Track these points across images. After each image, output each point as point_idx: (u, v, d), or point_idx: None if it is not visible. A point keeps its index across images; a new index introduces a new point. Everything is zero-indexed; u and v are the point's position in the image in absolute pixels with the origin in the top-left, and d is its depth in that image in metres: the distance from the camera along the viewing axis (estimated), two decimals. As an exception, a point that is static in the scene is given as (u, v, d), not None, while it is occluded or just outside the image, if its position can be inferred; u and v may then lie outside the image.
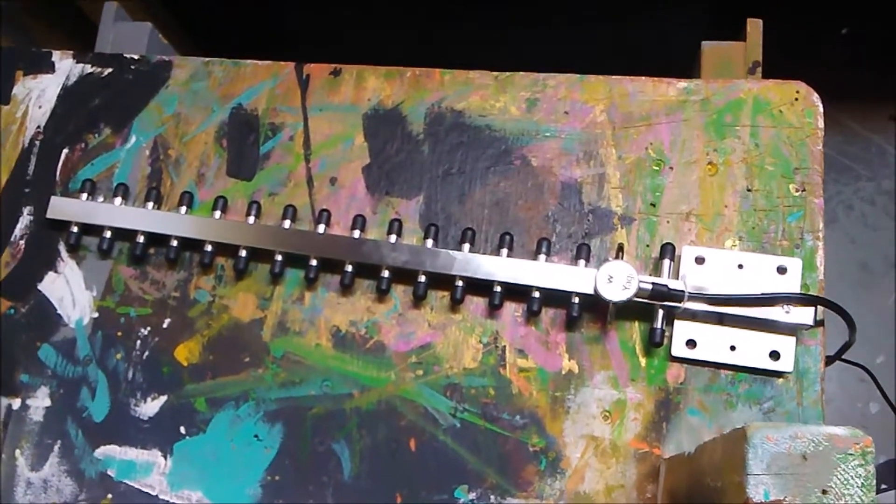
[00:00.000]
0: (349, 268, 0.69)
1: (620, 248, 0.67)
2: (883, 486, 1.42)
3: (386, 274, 0.69)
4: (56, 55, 0.81)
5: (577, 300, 0.66)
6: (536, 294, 0.66)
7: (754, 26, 0.80)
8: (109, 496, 0.69)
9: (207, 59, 0.79)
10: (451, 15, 1.35)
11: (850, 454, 0.37)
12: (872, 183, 1.60)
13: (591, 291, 0.64)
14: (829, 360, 0.68)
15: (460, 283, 0.67)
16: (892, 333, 1.48)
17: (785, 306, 0.63)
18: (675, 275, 0.65)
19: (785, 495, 0.36)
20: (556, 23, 1.35)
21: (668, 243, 0.66)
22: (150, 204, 0.73)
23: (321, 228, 0.70)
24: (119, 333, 0.73)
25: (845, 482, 0.36)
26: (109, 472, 0.70)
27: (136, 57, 0.81)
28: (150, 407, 0.70)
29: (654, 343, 0.64)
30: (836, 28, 1.53)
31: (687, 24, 1.28)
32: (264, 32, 1.43)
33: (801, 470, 0.36)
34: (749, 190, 0.68)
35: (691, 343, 0.65)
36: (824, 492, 0.36)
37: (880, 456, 1.44)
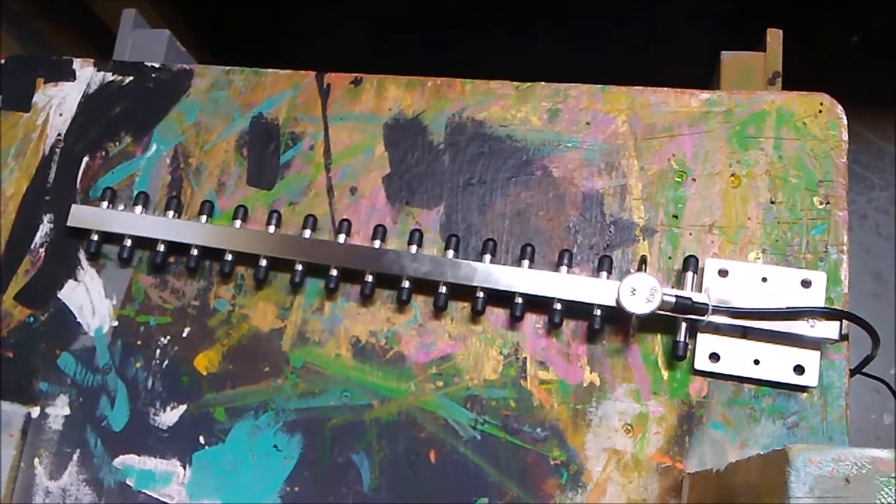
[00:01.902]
0: (369, 278, 0.69)
1: (643, 261, 0.67)
2: None
3: (406, 284, 0.68)
4: (77, 63, 0.82)
5: (598, 312, 0.65)
6: (558, 306, 0.66)
7: (774, 36, 0.80)
8: (128, 506, 0.69)
9: (228, 67, 0.79)
10: (462, 23, 1.35)
11: (894, 477, 0.36)
12: (886, 192, 1.59)
13: (613, 304, 0.64)
14: (850, 374, 0.67)
15: (481, 294, 0.67)
16: (906, 344, 1.47)
17: (810, 320, 0.62)
18: (699, 288, 0.65)
19: (828, 520, 0.36)
20: (567, 30, 1.35)
21: (691, 256, 0.66)
22: (171, 212, 0.73)
23: (341, 238, 0.70)
24: (139, 342, 0.72)
25: (889, 506, 0.36)
26: (128, 482, 0.69)
27: (156, 65, 0.81)
28: (169, 416, 0.70)
29: (677, 356, 0.64)
30: (849, 35, 1.52)
31: (700, 33, 1.28)
32: (278, 38, 1.43)
33: (844, 493, 0.36)
34: (773, 202, 0.68)
35: (714, 356, 0.64)
36: (868, 516, 0.36)
37: None
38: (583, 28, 1.36)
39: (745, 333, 0.64)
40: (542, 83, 0.74)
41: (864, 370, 0.70)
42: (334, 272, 0.70)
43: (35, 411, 0.72)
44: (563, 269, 0.67)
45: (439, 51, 1.36)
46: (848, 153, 0.68)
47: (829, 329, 0.62)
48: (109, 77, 0.81)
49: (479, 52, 1.38)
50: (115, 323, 0.73)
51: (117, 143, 0.78)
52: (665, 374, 0.65)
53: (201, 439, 0.69)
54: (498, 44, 1.37)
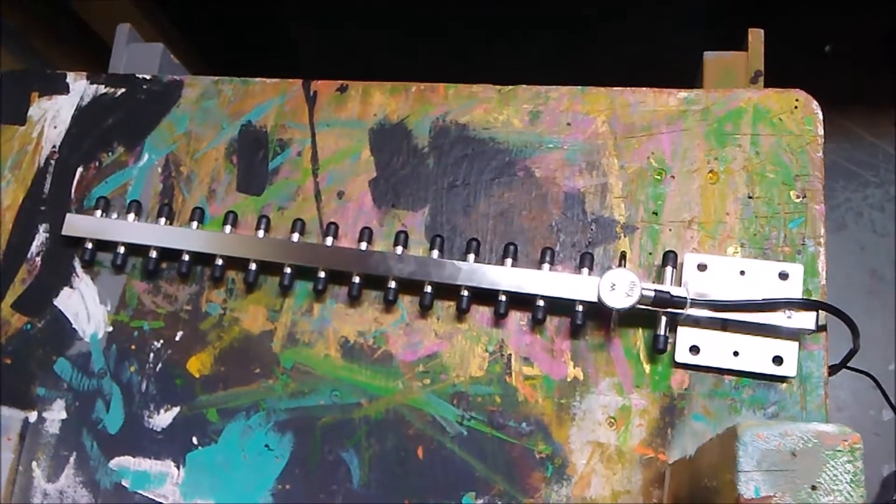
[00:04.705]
0: (357, 279, 0.71)
1: (623, 256, 0.68)
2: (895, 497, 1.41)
3: (393, 285, 0.70)
4: (70, 76, 0.84)
5: (581, 308, 0.67)
6: (541, 303, 0.67)
7: (755, 36, 0.81)
8: (124, 506, 0.70)
9: (217, 77, 0.81)
10: (448, 26, 1.37)
11: (839, 451, 0.37)
12: (881, 189, 1.59)
13: (594, 299, 0.65)
14: (836, 369, 0.68)
15: (466, 292, 0.69)
16: (903, 340, 1.48)
17: (787, 311, 0.63)
18: (678, 282, 0.66)
19: (775, 492, 0.37)
20: (554, 32, 1.36)
21: (670, 251, 0.67)
22: (163, 220, 0.75)
23: (329, 241, 0.72)
24: (133, 347, 0.74)
25: (834, 478, 0.37)
26: (124, 483, 0.71)
27: (148, 77, 0.83)
28: (163, 418, 0.72)
29: (658, 349, 0.65)
30: (840, 35, 1.53)
31: (686, 31, 1.30)
32: (271, 49, 1.45)
33: (791, 466, 0.37)
34: (750, 197, 0.69)
35: (695, 349, 0.65)
36: (814, 488, 0.37)
37: (893, 463, 1.43)
38: (571, 30, 1.38)
39: (724, 326, 0.65)
40: (524, 86, 0.75)
41: (850, 364, 0.71)
42: (322, 274, 0.71)
43: (33, 416, 0.74)
44: (546, 266, 0.68)
45: (424, 55, 1.38)
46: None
47: (806, 319, 0.63)
48: (102, 89, 0.83)
49: (468, 55, 1.39)
50: (110, 328, 0.75)
51: (110, 154, 0.80)
52: (647, 367, 0.66)
53: (194, 440, 0.71)
54: (486, 46, 1.39)
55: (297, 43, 1.46)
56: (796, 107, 0.71)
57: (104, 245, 0.76)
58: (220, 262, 0.73)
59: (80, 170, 0.80)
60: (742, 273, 0.66)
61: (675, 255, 0.67)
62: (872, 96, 1.60)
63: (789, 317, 0.63)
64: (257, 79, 0.80)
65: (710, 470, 0.44)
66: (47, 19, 1.26)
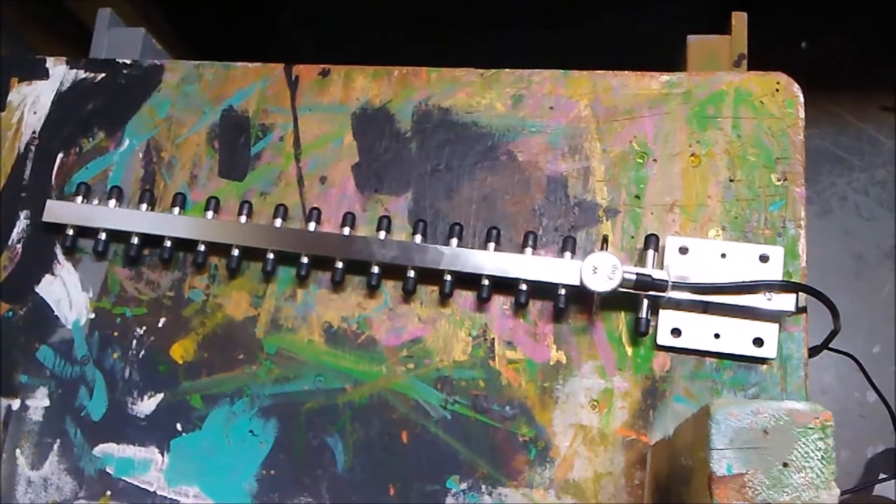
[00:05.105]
0: (340, 265, 0.71)
1: (605, 240, 0.68)
2: (882, 476, 1.43)
3: (376, 270, 0.70)
4: (50, 61, 0.83)
5: (563, 292, 0.67)
6: (524, 287, 0.67)
7: (739, 19, 0.81)
8: (108, 493, 0.70)
9: (198, 62, 0.80)
10: (438, 13, 1.37)
11: (811, 428, 0.38)
12: (865, 173, 1.60)
13: (577, 283, 0.65)
14: (816, 350, 0.69)
15: (449, 277, 0.69)
16: (888, 323, 1.49)
17: (767, 294, 0.64)
18: (660, 265, 0.66)
19: (747, 469, 0.37)
20: (545, 19, 1.36)
21: (652, 234, 0.67)
22: (144, 206, 0.75)
23: (312, 226, 0.72)
24: (115, 333, 0.74)
25: (806, 455, 0.37)
26: (108, 470, 0.71)
27: (128, 62, 0.82)
28: (146, 405, 0.72)
29: (640, 332, 0.65)
30: (828, 20, 1.54)
31: (677, 18, 1.29)
32: (258, 35, 1.44)
33: (763, 444, 0.38)
34: (731, 180, 0.69)
35: (676, 332, 0.66)
36: (785, 465, 0.37)
37: (879, 445, 1.45)
38: (561, 20, 1.38)
39: (705, 308, 0.66)
40: (506, 70, 0.75)
41: (831, 345, 0.71)
42: (305, 260, 0.71)
43: (16, 403, 0.74)
44: (529, 250, 0.68)
45: (412, 40, 1.37)
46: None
47: (786, 301, 0.63)
48: (82, 74, 0.82)
49: (463, 44, 1.39)
50: (92, 315, 0.75)
51: (91, 139, 0.80)
52: (629, 350, 0.67)
53: (178, 426, 0.71)
54: (469, 27, 1.39)
55: (295, 40, 1.46)
56: (777, 90, 0.71)
57: (85, 231, 0.76)
58: (202, 247, 0.73)
59: (60, 156, 0.80)
60: (723, 256, 0.66)
61: (657, 239, 0.67)
62: (858, 81, 1.61)
63: (769, 299, 0.64)
64: (238, 63, 0.80)
65: (686, 449, 0.45)
66: (47, 17, 1.25)
